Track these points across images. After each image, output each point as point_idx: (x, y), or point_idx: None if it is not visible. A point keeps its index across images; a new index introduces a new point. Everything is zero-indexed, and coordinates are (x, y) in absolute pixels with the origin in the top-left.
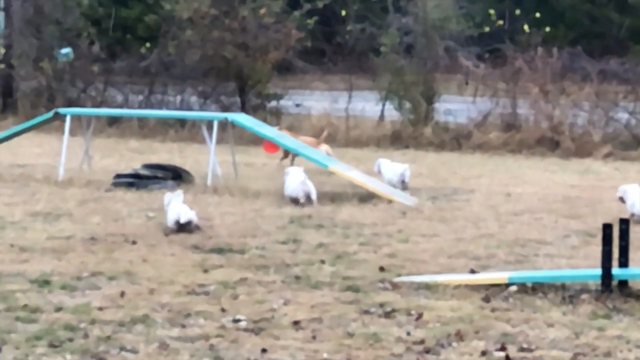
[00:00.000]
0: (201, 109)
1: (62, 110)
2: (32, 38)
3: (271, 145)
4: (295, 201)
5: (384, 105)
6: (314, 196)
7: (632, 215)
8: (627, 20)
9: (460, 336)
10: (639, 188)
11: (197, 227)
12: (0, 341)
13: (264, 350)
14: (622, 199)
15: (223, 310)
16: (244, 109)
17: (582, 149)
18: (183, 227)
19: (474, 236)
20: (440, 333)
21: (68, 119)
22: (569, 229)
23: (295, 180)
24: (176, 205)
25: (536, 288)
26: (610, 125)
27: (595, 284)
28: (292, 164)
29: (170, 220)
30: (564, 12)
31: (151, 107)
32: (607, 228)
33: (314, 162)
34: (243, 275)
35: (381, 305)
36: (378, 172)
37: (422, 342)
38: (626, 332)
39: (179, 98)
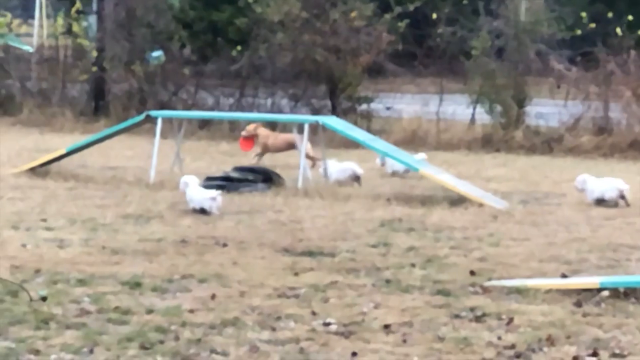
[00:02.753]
0: (292, 112)
1: (153, 113)
2: (124, 41)
3: (246, 143)
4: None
5: (474, 108)
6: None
7: (601, 201)
8: None
9: (551, 341)
10: (594, 178)
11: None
12: (92, 343)
13: (354, 354)
14: (581, 190)
15: (313, 313)
16: (334, 112)
17: None
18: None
19: (566, 240)
20: (532, 338)
21: (159, 121)
22: None
23: (338, 165)
24: (199, 188)
25: (628, 293)
26: None
27: None
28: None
29: (201, 201)
30: None
31: (242, 110)
32: None
33: (405, 165)
34: (333, 278)
35: (472, 309)
36: (381, 164)
37: (513, 346)
38: None
39: (269, 101)
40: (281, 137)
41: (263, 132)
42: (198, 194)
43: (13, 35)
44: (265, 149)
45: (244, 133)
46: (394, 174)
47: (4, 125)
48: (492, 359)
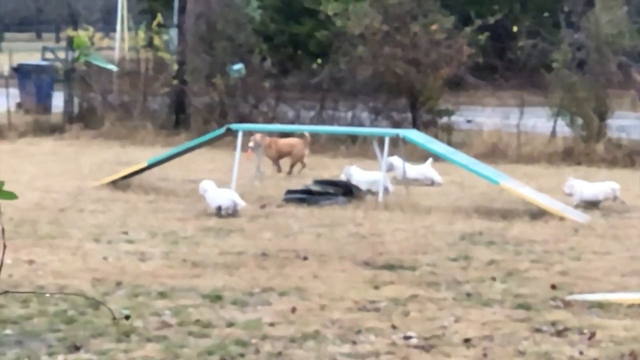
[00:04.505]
0: (372, 124)
1: (234, 126)
2: (205, 54)
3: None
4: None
5: (555, 121)
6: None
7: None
8: None
9: (634, 356)
10: (583, 181)
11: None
12: (173, 356)
13: None
14: (569, 194)
15: (394, 327)
16: (415, 125)
17: None
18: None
19: None
20: (614, 353)
21: (240, 134)
22: None
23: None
24: (219, 190)
25: None
26: None
27: None
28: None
29: (224, 202)
30: None
31: (322, 123)
32: None
33: (485, 178)
34: (414, 292)
35: (553, 323)
36: (388, 170)
37: None
38: None
39: (350, 114)
40: (282, 142)
41: (267, 140)
42: (216, 194)
43: (96, 53)
44: (275, 156)
45: (251, 144)
46: (416, 181)
47: (86, 138)
48: None
